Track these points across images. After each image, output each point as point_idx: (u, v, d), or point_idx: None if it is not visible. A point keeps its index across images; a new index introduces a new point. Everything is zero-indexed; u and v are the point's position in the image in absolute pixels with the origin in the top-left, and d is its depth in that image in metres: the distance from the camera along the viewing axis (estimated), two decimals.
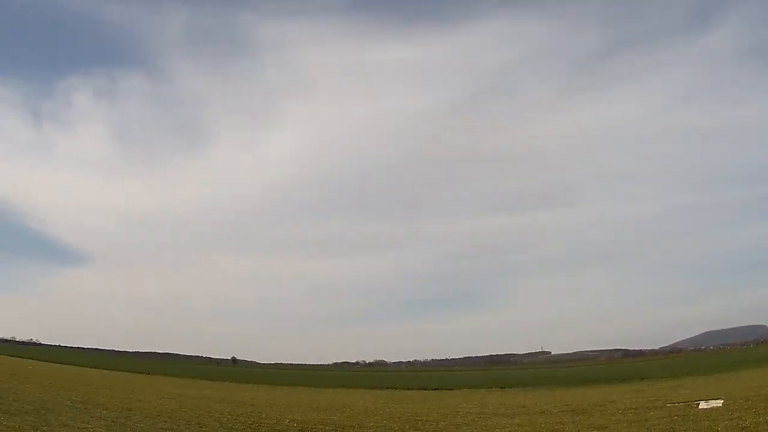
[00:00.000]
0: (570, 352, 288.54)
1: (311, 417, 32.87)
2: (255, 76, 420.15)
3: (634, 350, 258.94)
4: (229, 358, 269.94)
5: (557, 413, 33.00)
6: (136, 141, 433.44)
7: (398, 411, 38.39)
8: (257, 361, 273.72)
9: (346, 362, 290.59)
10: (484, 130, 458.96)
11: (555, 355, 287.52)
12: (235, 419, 30.27)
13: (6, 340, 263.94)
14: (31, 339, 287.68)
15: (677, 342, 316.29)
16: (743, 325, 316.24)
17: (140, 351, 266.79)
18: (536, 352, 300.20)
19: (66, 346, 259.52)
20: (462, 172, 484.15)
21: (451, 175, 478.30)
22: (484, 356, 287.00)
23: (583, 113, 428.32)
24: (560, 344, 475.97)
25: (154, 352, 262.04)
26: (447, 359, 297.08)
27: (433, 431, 27.73)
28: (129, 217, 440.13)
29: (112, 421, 25.15)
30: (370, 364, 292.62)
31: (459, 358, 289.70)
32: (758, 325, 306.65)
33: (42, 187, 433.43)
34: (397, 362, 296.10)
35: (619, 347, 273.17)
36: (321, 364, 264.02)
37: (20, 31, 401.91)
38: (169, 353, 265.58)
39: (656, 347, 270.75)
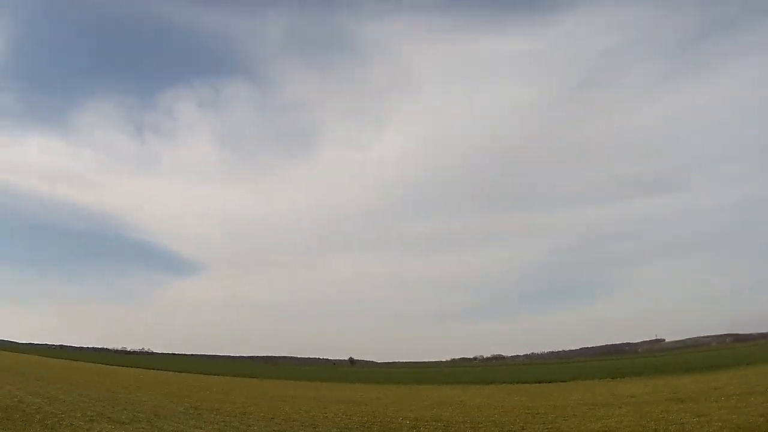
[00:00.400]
0: (683, 338, 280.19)
1: (424, 414, 33.19)
2: (359, 76, 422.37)
3: (745, 334, 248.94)
4: (347, 358, 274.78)
5: (664, 402, 32.60)
6: (241, 148, 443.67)
7: (511, 405, 38.34)
8: (374, 360, 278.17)
9: (464, 358, 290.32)
10: (588, 119, 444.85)
11: (669, 342, 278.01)
12: (349, 419, 30.85)
13: (117, 351, 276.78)
14: (143, 348, 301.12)
15: None
16: None
17: (256, 356, 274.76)
18: (650, 340, 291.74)
19: (179, 354, 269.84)
20: (567, 162, 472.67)
21: (557, 165, 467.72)
22: (599, 346, 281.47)
23: (683, 97, 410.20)
24: (674, 331, 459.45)
25: (270, 356, 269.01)
26: (563, 350, 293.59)
27: (542, 423, 27.53)
28: (237, 225, 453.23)
29: (226, 425, 25.91)
30: (487, 359, 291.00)
31: (575, 349, 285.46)
32: None
33: (148, 198, 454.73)
34: (514, 356, 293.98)
35: (730, 332, 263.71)
36: (438, 361, 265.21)
37: (119, 45, 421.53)
38: (286, 356, 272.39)
39: (765, 330, 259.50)
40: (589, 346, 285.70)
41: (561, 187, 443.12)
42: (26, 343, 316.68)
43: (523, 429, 26.44)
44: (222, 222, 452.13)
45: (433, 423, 28.73)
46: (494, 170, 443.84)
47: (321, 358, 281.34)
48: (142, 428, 23.19)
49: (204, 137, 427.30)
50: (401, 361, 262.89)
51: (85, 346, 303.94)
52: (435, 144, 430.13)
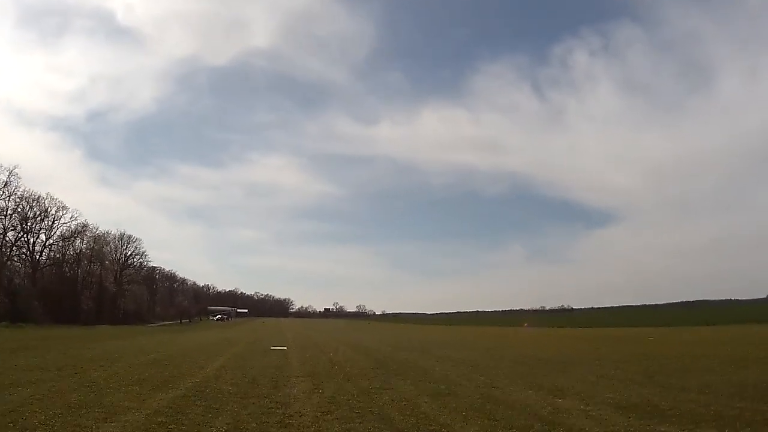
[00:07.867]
0: None
1: None
2: (737, 2, 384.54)
3: None
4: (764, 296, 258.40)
5: None
6: (643, 91, 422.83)
7: None
8: None
9: None
10: None
11: None
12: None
13: (536, 311, 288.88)
14: (562, 305, 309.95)
15: None
16: None
17: (673, 302, 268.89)
18: None
19: (597, 308, 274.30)
20: None
21: None
22: None
23: None
24: None
25: (686, 302, 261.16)
26: None
27: None
28: (648, 169, 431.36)
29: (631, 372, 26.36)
30: None
31: None
32: None
33: (558, 152, 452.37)
34: None
35: None
36: None
37: (498, 7, 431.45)
38: (701, 300, 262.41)
39: None
40: None
41: None
42: (435, 314, 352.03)
43: None
44: (633, 168, 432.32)
45: None
46: None
47: (736, 299, 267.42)
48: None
49: (604, 85, 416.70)
50: None
51: (500, 310, 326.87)
52: None
